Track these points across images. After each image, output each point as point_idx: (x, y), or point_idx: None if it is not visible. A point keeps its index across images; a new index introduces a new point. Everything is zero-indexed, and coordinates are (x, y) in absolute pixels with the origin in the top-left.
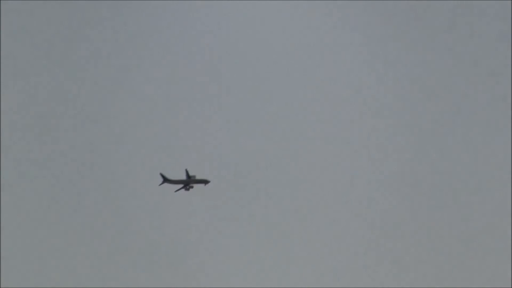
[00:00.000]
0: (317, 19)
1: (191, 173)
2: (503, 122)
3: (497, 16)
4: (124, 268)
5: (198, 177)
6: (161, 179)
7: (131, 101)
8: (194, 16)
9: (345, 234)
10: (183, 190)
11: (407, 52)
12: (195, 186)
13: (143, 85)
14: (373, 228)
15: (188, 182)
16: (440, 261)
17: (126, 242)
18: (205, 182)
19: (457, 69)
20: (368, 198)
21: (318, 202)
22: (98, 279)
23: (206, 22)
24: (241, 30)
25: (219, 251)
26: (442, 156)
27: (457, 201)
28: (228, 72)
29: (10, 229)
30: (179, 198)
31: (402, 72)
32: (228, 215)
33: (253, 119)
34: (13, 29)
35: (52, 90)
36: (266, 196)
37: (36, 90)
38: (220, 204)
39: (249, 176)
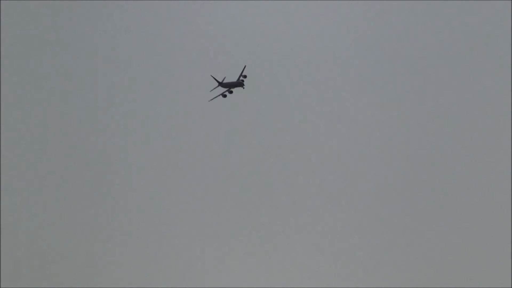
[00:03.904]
0: (316, 20)
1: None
2: (504, 122)
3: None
4: (124, 268)
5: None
6: (213, 84)
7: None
8: (194, 16)
9: (344, 234)
10: (220, 97)
11: (408, 54)
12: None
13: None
14: (374, 229)
15: (236, 84)
16: (440, 261)
17: (126, 243)
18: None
19: (457, 68)
20: (368, 198)
21: (317, 201)
22: (98, 278)
23: (206, 22)
24: (244, 31)
25: (219, 251)
26: (441, 155)
27: (456, 201)
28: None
29: (10, 228)
30: (174, 199)
31: (402, 73)
32: (228, 215)
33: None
34: (13, 29)
35: (51, 90)
36: (264, 195)
37: (36, 90)
38: (219, 203)
39: (248, 174)
